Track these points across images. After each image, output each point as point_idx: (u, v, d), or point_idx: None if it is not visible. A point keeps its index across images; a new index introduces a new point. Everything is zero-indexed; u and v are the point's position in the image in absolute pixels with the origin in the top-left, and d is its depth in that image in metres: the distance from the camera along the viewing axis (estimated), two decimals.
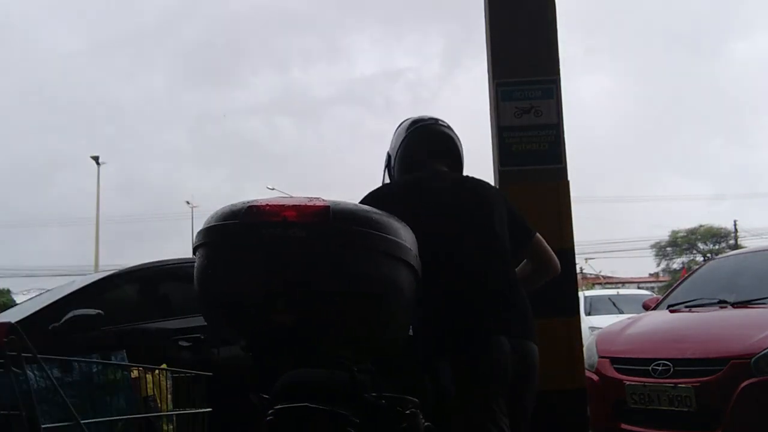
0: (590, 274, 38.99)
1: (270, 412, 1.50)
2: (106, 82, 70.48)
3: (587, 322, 9.32)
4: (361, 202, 1.99)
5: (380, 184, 2.32)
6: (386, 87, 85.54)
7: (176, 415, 2.94)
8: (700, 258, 37.62)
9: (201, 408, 2.96)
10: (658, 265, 43.45)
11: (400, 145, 2.28)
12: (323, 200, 1.50)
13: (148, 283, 4.38)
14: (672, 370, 3.72)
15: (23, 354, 2.39)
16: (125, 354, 2.98)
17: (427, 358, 1.96)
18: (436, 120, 2.31)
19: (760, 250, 5.36)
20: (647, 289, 21.68)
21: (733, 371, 3.50)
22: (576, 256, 3.60)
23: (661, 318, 4.67)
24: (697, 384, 3.59)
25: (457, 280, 2.03)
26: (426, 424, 1.64)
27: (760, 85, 76.25)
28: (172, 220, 65.31)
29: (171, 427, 2.93)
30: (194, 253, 1.57)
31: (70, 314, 3.43)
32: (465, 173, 2.31)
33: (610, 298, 11.51)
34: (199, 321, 2.93)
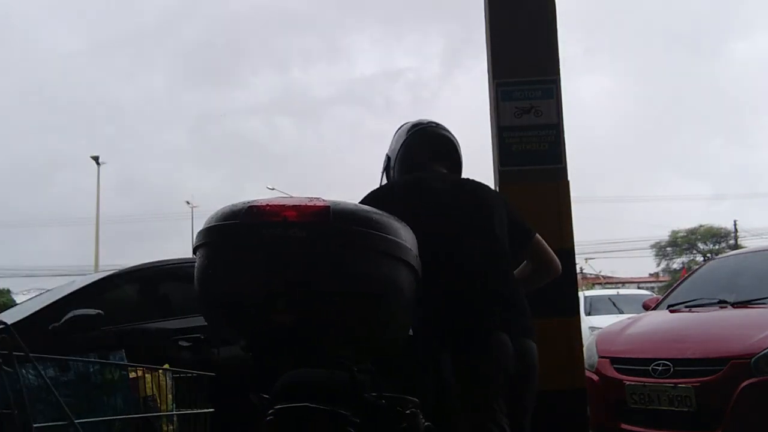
0: (590, 274, 39.04)
1: (270, 412, 1.50)
2: (106, 82, 70.64)
3: (587, 322, 9.33)
4: (361, 202, 1.99)
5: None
6: (386, 87, 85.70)
7: (178, 415, 2.94)
8: (700, 258, 37.62)
9: (203, 408, 2.96)
10: (658, 265, 43.53)
11: (400, 147, 2.31)
12: (323, 200, 1.50)
13: (148, 283, 4.38)
14: (672, 370, 3.72)
15: (15, 353, 2.39)
16: (124, 353, 2.98)
17: (429, 352, 1.97)
18: (437, 124, 2.35)
19: (760, 250, 5.37)
20: (647, 289, 21.70)
21: (733, 371, 3.50)
22: (576, 256, 3.61)
23: (661, 318, 4.67)
24: (697, 384, 3.59)
25: (457, 280, 2.04)
26: (426, 424, 1.64)
27: (760, 85, 76.42)
28: (172, 220, 65.43)
29: (171, 427, 2.93)
30: (194, 253, 1.57)
31: (70, 314, 3.43)
32: (464, 174, 2.34)
33: (610, 298, 11.51)
34: (199, 321, 2.93)
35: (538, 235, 2.27)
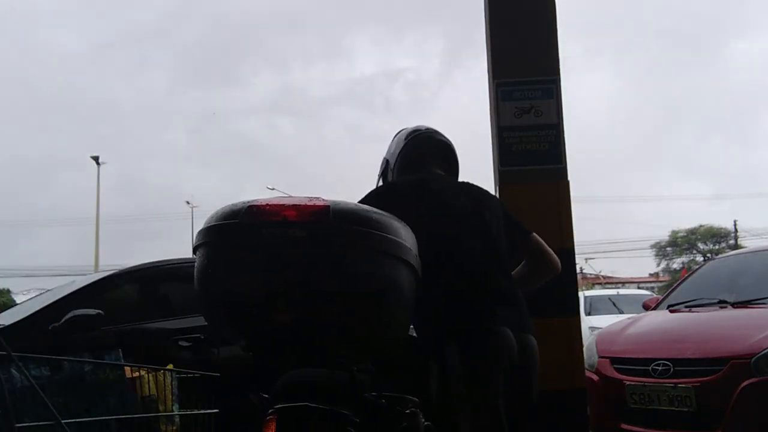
0: (590, 274, 39.05)
1: (270, 411, 1.50)
2: (106, 82, 70.60)
3: (587, 322, 9.33)
4: (360, 202, 1.99)
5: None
6: (386, 87, 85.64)
7: (179, 415, 2.93)
8: (700, 258, 37.62)
9: (207, 409, 2.96)
10: (658, 265, 43.51)
11: (400, 151, 2.36)
12: (323, 200, 1.50)
13: (148, 283, 4.37)
14: (672, 370, 3.72)
15: None
16: (120, 353, 2.97)
17: (430, 352, 1.97)
18: (435, 130, 2.43)
19: (760, 250, 5.36)
20: (647, 289, 21.70)
21: (733, 371, 3.50)
22: (576, 256, 3.61)
23: (661, 318, 4.67)
24: (697, 384, 3.59)
25: (457, 280, 2.05)
26: (426, 423, 1.65)
27: (760, 85, 76.26)
28: (172, 220, 65.44)
29: (171, 427, 2.92)
30: (194, 253, 1.57)
31: (70, 314, 3.44)
32: (465, 174, 2.40)
33: (610, 298, 11.50)
34: (199, 321, 2.93)
35: (534, 234, 2.30)
